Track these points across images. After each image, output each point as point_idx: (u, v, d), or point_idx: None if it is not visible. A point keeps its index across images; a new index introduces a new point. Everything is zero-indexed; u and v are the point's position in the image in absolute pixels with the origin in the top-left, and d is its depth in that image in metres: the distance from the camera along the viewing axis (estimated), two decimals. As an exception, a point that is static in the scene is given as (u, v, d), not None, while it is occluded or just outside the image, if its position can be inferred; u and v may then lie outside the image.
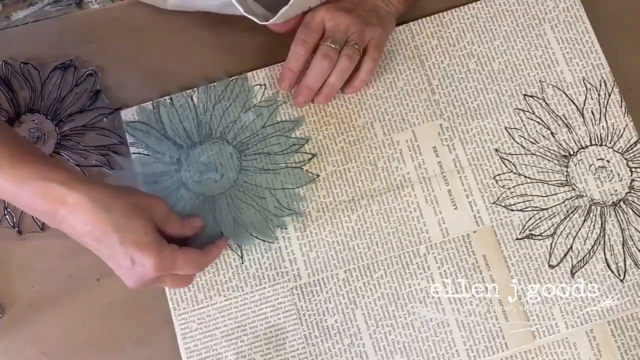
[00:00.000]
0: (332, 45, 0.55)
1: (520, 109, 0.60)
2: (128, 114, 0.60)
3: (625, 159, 0.59)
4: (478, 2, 0.62)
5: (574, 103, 0.60)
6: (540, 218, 0.57)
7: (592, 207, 0.58)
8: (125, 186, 0.51)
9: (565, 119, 0.59)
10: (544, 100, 0.60)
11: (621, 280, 0.56)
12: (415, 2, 0.61)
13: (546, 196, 0.58)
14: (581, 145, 0.59)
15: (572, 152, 0.59)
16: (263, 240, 0.57)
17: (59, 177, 0.46)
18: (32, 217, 0.58)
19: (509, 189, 0.58)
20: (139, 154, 0.59)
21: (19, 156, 0.46)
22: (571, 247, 0.57)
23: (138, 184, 0.58)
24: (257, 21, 0.53)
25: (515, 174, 0.58)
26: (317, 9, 0.56)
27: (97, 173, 0.59)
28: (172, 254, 0.49)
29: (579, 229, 0.57)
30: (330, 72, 0.56)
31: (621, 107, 0.59)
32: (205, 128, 0.60)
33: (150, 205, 0.50)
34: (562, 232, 0.57)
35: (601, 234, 0.57)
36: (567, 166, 0.59)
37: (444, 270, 0.57)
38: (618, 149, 0.59)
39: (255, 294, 0.56)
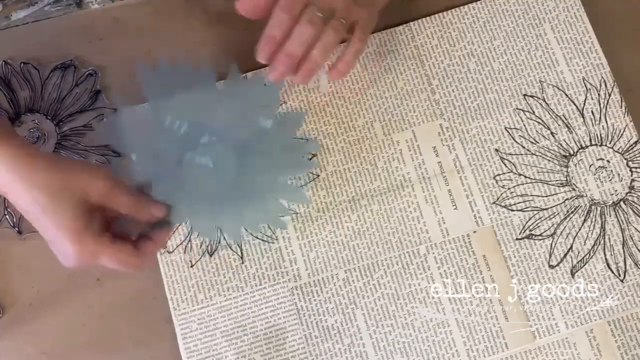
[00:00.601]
0: (318, 13, 0.49)
1: (520, 109, 0.60)
2: (126, 114, 0.59)
3: (625, 159, 0.59)
4: (478, 2, 0.62)
5: (574, 103, 0.60)
6: (540, 218, 0.57)
7: (592, 207, 0.58)
8: (62, 158, 0.47)
9: (565, 119, 0.59)
10: (544, 100, 0.60)
11: (621, 280, 0.56)
12: None
13: (546, 196, 0.58)
14: (581, 146, 0.59)
15: (572, 152, 0.59)
16: (263, 240, 0.57)
17: None
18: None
19: (509, 189, 0.58)
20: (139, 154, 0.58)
21: None
22: (571, 247, 0.57)
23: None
24: None
25: (515, 174, 0.58)
26: None
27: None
28: (96, 246, 0.44)
29: (579, 229, 0.57)
30: (314, 45, 0.50)
31: (621, 107, 0.59)
32: (204, 128, 0.59)
33: (86, 182, 0.45)
34: (562, 232, 0.57)
35: (601, 234, 0.57)
36: (567, 166, 0.59)
37: (444, 270, 0.57)
38: (618, 149, 0.59)
39: (255, 294, 0.56)
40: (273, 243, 0.57)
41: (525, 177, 0.58)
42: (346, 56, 0.52)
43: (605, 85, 0.60)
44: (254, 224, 0.57)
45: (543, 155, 0.59)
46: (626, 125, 0.59)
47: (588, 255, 0.57)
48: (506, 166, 0.59)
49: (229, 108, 0.58)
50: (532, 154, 0.59)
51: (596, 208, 0.58)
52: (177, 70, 0.55)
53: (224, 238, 0.57)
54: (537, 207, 0.58)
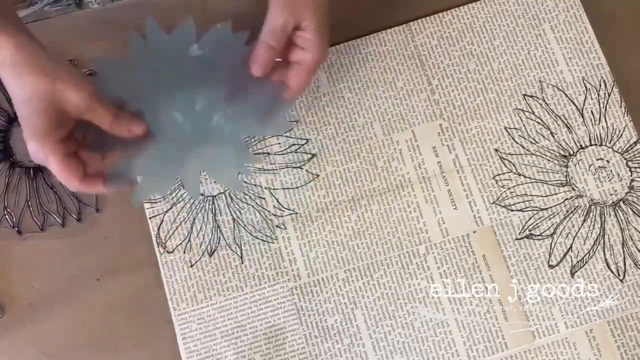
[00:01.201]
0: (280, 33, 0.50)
1: (520, 109, 0.60)
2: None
3: (625, 159, 0.59)
4: (478, 2, 0.62)
5: (573, 103, 0.60)
6: (540, 218, 0.57)
7: (592, 207, 0.58)
8: (54, 64, 0.48)
9: (565, 119, 0.59)
10: (544, 100, 0.60)
11: (621, 280, 0.56)
12: None
13: (546, 196, 0.58)
14: (581, 145, 0.59)
15: (571, 152, 0.59)
16: (262, 240, 0.57)
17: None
18: (32, 217, 0.58)
19: (509, 189, 0.58)
20: None
21: None
22: (571, 247, 0.57)
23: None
24: None
25: (515, 174, 0.58)
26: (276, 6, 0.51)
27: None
28: (50, 150, 0.46)
29: (579, 229, 0.57)
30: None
31: (621, 107, 0.60)
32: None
33: (67, 91, 0.47)
34: (561, 232, 0.57)
35: (601, 234, 0.57)
36: (566, 166, 0.59)
37: (444, 270, 0.57)
38: (618, 149, 0.59)
39: (255, 294, 0.56)
40: (273, 243, 0.57)
41: (525, 177, 0.58)
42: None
43: (605, 85, 0.60)
44: (252, 224, 0.57)
45: (543, 155, 0.59)
46: (626, 125, 0.59)
47: (588, 255, 0.57)
48: (506, 166, 0.59)
49: (205, 61, 0.54)
50: (532, 154, 0.59)
51: (596, 208, 0.58)
52: (161, 38, 0.54)
53: (224, 238, 0.57)
54: (536, 207, 0.58)
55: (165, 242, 0.57)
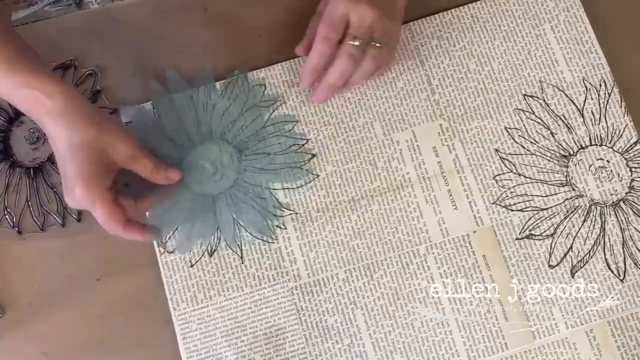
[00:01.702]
0: (357, 44, 0.52)
1: (520, 109, 0.60)
2: (127, 114, 0.60)
3: (625, 159, 0.59)
4: (478, 2, 0.62)
5: (573, 103, 0.60)
6: (540, 218, 0.57)
7: (592, 207, 0.58)
8: (103, 114, 0.52)
9: (565, 119, 0.59)
10: (544, 100, 0.60)
11: (621, 280, 0.56)
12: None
13: (546, 196, 0.58)
14: (581, 146, 0.59)
15: (572, 152, 0.59)
16: (263, 240, 0.57)
17: (45, 87, 0.48)
18: (32, 217, 0.58)
19: (509, 189, 0.58)
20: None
21: (14, 58, 0.48)
22: (571, 247, 0.57)
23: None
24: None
25: (515, 174, 0.58)
26: (337, 1, 0.52)
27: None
28: (98, 198, 0.49)
29: (579, 229, 0.57)
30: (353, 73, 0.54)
31: (621, 107, 0.59)
32: (205, 128, 0.60)
33: (116, 144, 0.50)
34: (562, 232, 0.57)
35: (601, 234, 0.57)
36: (567, 166, 0.59)
37: (444, 270, 0.57)
38: (618, 149, 0.59)
39: (255, 294, 0.56)
40: (273, 243, 0.57)
41: (525, 177, 0.58)
42: (374, 75, 0.57)
43: (605, 85, 0.60)
44: (252, 224, 0.57)
45: (543, 155, 0.59)
46: (626, 125, 0.59)
47: (588, 255, 0.57)
48: (506, 166, 0.59)
49: (227, 110, 0.59)
50: (532, 154, 0.59)
51: (596, 208, 0.58)
52: (182, 84, 0.60)
53: (224, 239, 0.57)
54: (537, 207, 0.58)
55: (166, 242, 0.57)
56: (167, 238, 0.57)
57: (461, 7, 0.62)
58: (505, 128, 0.59)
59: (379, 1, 0.53)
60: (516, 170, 0.58)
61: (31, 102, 0.48)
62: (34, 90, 0.48)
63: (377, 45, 0.53)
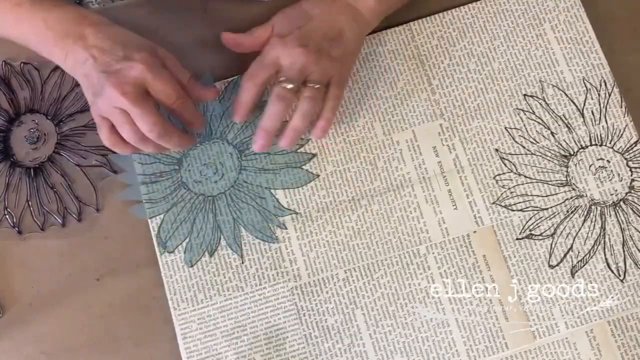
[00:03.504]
0: (287, 86, 0.52)
1: (520, 109, 0.60)
2: None
3: (625, 159, 0.59)
4: (478, 2, 0.62)
5: (574, 103, 0.60)
6: (540, 218, 0.57)
7: (592, 207, 0.58)
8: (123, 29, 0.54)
9: (565, 119, 0.59)
10: (544, 100, 0.60)
11: (621, 280, 0.56)
12: (391, 12, 0.59)
13: (546, 196, 0.58)
14: (581, 145, 0.59)
15: (572, 152, 0.59)
16: (263, 240, 0.57)
17: (75, 6, 0.53)
18: (32, 217, 0.58)
19: (509, 189, 0.58)
20: (139, 154, 0.59)
21: None
22: (571, 247, 0.57)
23: (138, 184, 0.58)
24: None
25: (516, 174, 0.58)
26: (274, 43, 0.54)
27: (98, 173, 0.59)
28: (161, 69, 0.50)
29: (579, 229, 0.57)
30: (292, 114, 0.54)
31: (621, 107, 0.59)
32: (205, 128, 0.59)
33: (157, 48, 0.53)
34: (562, 232, 0.57)
35: (601, 234, 0.57)
36: (567, 166, 0.59)
37: (444, 270, 0.57)
38: (618, 149, 0.59)
39: (255, 294, 0.56)
40: (273, 243, 0.57)
41: (525, 177, 0.58)
42: (325, 114, 0.55)
43: (605, 85, 0.60)
44: (252, 224, 0.57)
45: (543, 155, 0.59)
46: (626, 125, 0.59)
47: (588, 255, 0.57)
48: (506, 166, 0.59)
49: (227, 110, 0.59)
50: (532, 154, 0.59)
51: (596, 208, 0.58)
52: None
53: (224, 239, 0.57)
54: (537, 207, 0.58)
55: (166, 242, 0.57)
56: (167, 238, 0.57)
57: (461, 7, 0.62)
58: (506, 128, 0.59)
59: (317, 42, 0.53)
60: (516, 170, 0.58)
61: (73, 16, 0.51)
62: (76, 8, 0.51)
63: (315, 86, 0.53)
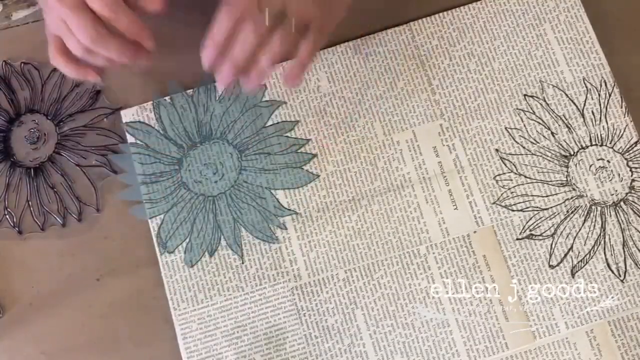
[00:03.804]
0: (262, 15, 0.46)
1: (520, 109, 0.60)
2: (128, 114, 0.60)
3: (626, 159, 0.59)
4: (478, 2, 0.62)
5: (574, 103, 0.60)
6: (540, 218, 0.57)
7: (593, 207, 0.58)
8: None
9: (566, 119, 0.59)
10: (544, 100, 0.60)
11: (621, 281, 0.56)
12: None
13: (546, 196, 0.58)
14: (581, 146, 0.59)
15: (572, 152, 0.59)
16: (263, 240, 0.57)
17: None
18: (32, 217, 0.58)
19: (509, 189, 0.58)
20: (139, 154, 0.59)
21: None
22: (571, 247, 0.57)
23: (138, 184, 0.58)
24: None
25: (516, 174, 0.58)
26: None
27: (98, 173, 0.59)
28: None
29: (579, 229, 0.57)
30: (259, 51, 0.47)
31: (621, 107, 0.59)
32: (205, 128, 0.60)
33: None
34: (562, 232, 0.57)
35: (601, 234, 0.57)
36: (567, 166, 0.59)
37: (444, 271, 0.57)
38: (618, 149, 0.59)
39: (255, 294, 0.56)
40: (273, 243, 0.57)
41: (526, 177, 0.58)
42: (299, 56, 0.49)
43: (606, 85, 0.60)
44: (253, 224, 0.57)
45: (543, 156, 0.59)
46: (626, 125, 0.59)
47: (588, 255, 0.57)
48: (506, 166, 0.59)
49: (227, 110, 0.59)
50: (532, 154, 0.59)
51: (596, 208, 0.58)
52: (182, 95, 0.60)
53: (224, 239, 0.57)
54: (537, 207, 0.58)
55: (166, 242, 0.57)
56: (167, 238, 0.57)
57: (461, 7, 0.62)
58: (506, 128, 0.59)
59: None
60: (516, 171, 0.58)
61: None
62: None
63: (290, 25, 0.46)
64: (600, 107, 0.59)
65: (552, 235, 0.57)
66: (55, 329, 0.56)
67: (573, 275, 0.56)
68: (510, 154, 0.59)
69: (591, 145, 0.59)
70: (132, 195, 0.58)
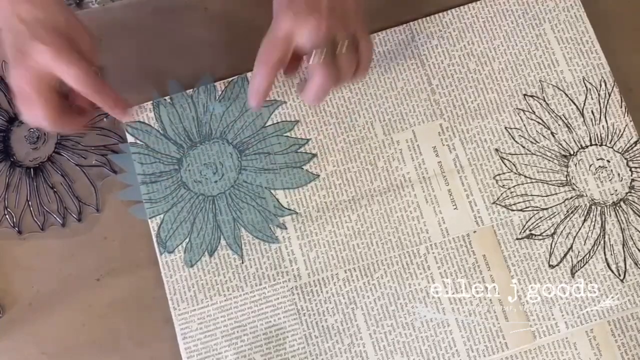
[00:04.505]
0: (322, 54, 0.46)
1: (520, 109, 0.60)
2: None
3: (625, 158, 0.59)
4: (478, 2, 0.62)
5: (574, 103, 0.60)
6: (540, 218, 0.57)
7: (592, 207, 0.58)
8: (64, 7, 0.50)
9: (565, 119, 0.59)
10: (544, 100, 0.60)
11: (621, 280, 0.56)
12: None
13: (546, 196, 0.58)
14: (581, 145, 0.59)
15: (572, 152, 0.59)
16: (263, 240, 0.57)
17: None
18: (32, 217, 0.58)
19: (509, 188, 0.58)
20: (139, 153, 0.59)
21: None
22: (571, 247, 0.57)
23: (138, 184, 0.58)
24: None
25: (516, 173, 0.58)
26: (281, 18, 0.47)
27: (98, 173, 0.59)
28: (75, 55, 0.47)
29: (579, 229, 0.57)
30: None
31: (621, 107, 0.60)
32: (205, 128, 0.60)
33: (79, 29, 0.49)
34: (562, 232, 0.57)
35: (601, 233, 0.57)
36: (567, 166, 0.59)
37: (444, 270, 0.57)
38: (618, 149, 0.59)
39: (255, 293, 0.56)
40: (273, 243, 0.57)
41: (525, 177, 0.58)
42: (362, 67, 0.50)
43: (605, 85, 0.60)
44: (252, 224, 0.57)
45: (543, 155, 0.59)
46: (626, 125, 0.59)
47: (588, 255, 0.57)
48: (506, 166, 0.59)
49: (227, 110, 0.59)
50: (532, 153, 0.59)
51: (596, 208, 0.58)
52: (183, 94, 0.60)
53: (224, 239, 0.57)
54: (537, 207, 0.58)
55: (166, 242, 0.57)
56: (167, 238, 0.57)
57: (461, 7, 0.62)
58: (506, 128, 0.59)
59: (326, 1, 0.47)
60: (516, 170, 0.58)
61: None
62: None
63: (345, 45, 0.47)
64: (600, 107, 0.59)
65: (552, 235, 0.57)
66: (55, 329, 0.56)
67: (573, 275, 0.56)
68: (510, 153, 0.59)
69: (591, 145, 0.59)
70: (132, 195, 0.58)
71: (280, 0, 0.48)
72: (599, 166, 0.58)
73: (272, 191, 0.58)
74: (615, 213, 0.57)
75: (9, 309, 0.57)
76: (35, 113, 0.48)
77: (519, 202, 0.58)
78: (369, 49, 0.50)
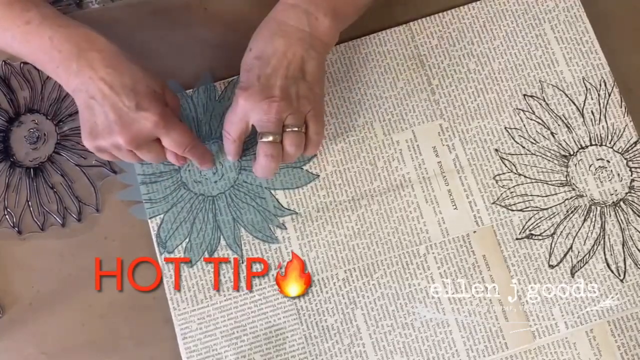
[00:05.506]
0: (267, 140, 0.51)
1: (520, 109, 0.60)
2: None
3: (625, 159, 0.59)
4: (478, 2, 0.62)
5: (573, 103, 0.60)
6: (540, 218, 0.57)
7: (592, 207, 0.58)
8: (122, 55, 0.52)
9: (565, 119, 0.59)
10: (544, 100, 0.60)
11: (621, 280, 0.56)
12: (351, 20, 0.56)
13: (546, 196, 0.58)
14: (581, 145, 0.59)
15: (572, 152, 0.59)
16: (263, 240, 0.57)
17: (84, 27, 0.51)
18: (32, 217, 0.58)
19: (509, 189, 0.58)
20: None
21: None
22: (571, 247, 0.57)
23: (138, 184, 0.58)
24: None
25: (515, 174, 0.58)
26: (239, 99, 0.51)
27: (98, 173, 0.59)
28: (174, 118, 0.51)
29: (579, 229, 0.57)
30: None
31: (621, 107, 0.60)
32: (205, 128, 0.60)
33: (165, 88, 0.53)
34: (562, 232, 0.57)
35: (601, 234, 0.57)
36: (567, 166, 0.59)
37: (444, 270, 0.57)
38: (618, 149, 0.59)
39: (255, 293, 0.56)
40: (273, 243, 0.57)
41: (525, 177, 0.58)
42: (309, 151, 0.55)
43: (605, 85, 0.60)
44: (252, 224, 0.57)
45: (543, 155, 0.59)
46: (626, 125, 0.59)
47: (588, 255, 0.57)
48: (506, 166, 0.59)
49: (220, 109, 0.59)
50: (532, 154, 0.59)
51: (596, 208, 0.58)
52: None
53: (224, 239, 0.57)
54: (537, 207, 0.58)
55: (165, 242, 0.57)
56: (167, 238, 0.57)
57: (461, 7, 0.62)
58: (505, 128, 0.59)
59: (281, 87, 0.50)
60: (516, 170, 0.58)
61: (80, 38, 0.50)
62: (85, 29, 0.50)
63: (294, 129, 0.52)
64: (600, 107, 0.59)
65: (552, 235, 0.57)
66: (55, 329, 0.56)
67: (573, 275, 0.56)
68: (510, 153, 0.59)
69: (591, 145, 0.59)
70: (131, 195, 0.58)
71: (242, 75, 0.52)
72: (599, 166, 0.58)
73: (272, 191, 0.58)
74: (615, 213, 0.57)
75: (9, 309, 0.57)
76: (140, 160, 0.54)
77: (518, 202, 0.58)
78: (319, 132, 0.54)
